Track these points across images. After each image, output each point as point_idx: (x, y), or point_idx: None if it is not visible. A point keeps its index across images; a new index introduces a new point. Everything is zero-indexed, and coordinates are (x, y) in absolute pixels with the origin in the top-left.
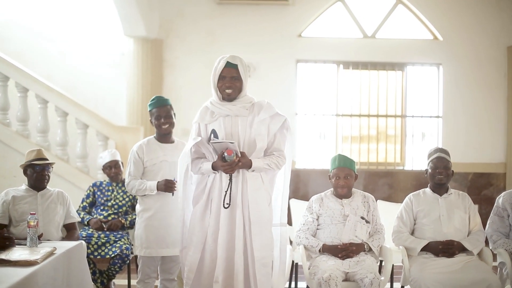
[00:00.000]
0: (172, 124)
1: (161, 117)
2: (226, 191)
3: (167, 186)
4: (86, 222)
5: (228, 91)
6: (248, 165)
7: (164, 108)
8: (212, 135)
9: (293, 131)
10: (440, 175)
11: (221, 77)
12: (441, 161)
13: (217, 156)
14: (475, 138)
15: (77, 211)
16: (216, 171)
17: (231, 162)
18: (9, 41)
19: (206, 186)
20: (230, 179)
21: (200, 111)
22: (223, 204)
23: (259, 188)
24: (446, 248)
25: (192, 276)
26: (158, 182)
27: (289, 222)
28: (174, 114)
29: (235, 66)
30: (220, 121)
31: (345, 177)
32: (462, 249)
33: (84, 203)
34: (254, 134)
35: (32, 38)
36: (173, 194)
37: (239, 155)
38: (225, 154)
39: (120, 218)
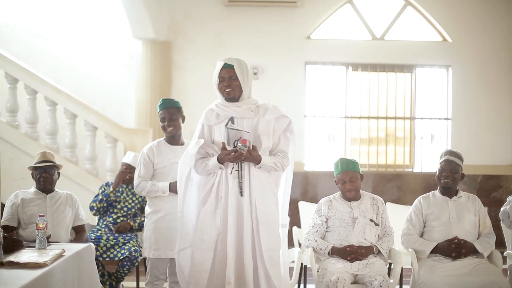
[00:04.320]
0: (176, 127)
1: (165, 119)
2: (239, 181)
3: None
4: (110, 188)
5: (227, 90)
6: (257, 159)
7: (169, 110)
8: (230, 122)
9: (301, 133)
10: (446, 179)
11: (221, 79)
12: (448, 165)
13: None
14: (484, 140)
15: (91, 203)
16: (222, 165)
17: (238, 154)
18: (16, 44)
19: (214, 186)
20: (238, 169)
21: (205, 113)
22: (240, 193)
23: (265, 189)
24: (456, 247)
25: (206, 276)
26: (170, 183)
27: (298, 225)
28: (184, 116)
29: (231, 67)
30: (225, 123)
31: (350, 181)
32: (473, 251)
33: (100, 197)
34: (259, 134)
35: (39, 41)
36: None
37: (251, 148)
38: (239, 143)
39: (129, 220)
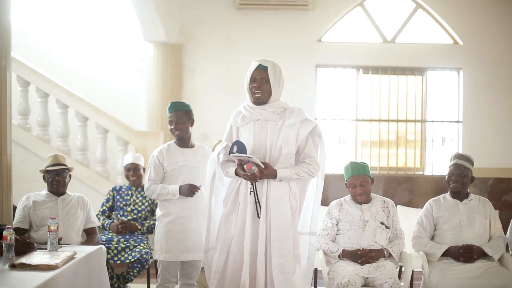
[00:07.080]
0: (183, 131)
1: (173, 122)
2: (256, 202)
3: (190, 191)
4: (107, 227)
5: (256, 92)
6: (273, 175)
7: (177, 113)
8: (236, 147)
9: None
10: (454, 183)
11: (252, 79)
12: (457, 169)
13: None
14: (495, 143)
15: (96, 215)
16: (238, 177)
17: (251, 175)
18: (26, 48)
19: (235, 188)
20: (253, 189)
21: (234, 114)
22: (257, 215)
23: (283, 195)
24: (465, 252)
25: (218, 277)
26: (180, 186)
27: None
28: (193, 120)
29: (265, 69)
30: (250, 125)
31: (361, 185)
32: (483, 255)
33: (104, 207)
34: (281, 139)
35: (48, 45)
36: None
37: (262, 166)
38: (245, 167)
39: (137, 224)
